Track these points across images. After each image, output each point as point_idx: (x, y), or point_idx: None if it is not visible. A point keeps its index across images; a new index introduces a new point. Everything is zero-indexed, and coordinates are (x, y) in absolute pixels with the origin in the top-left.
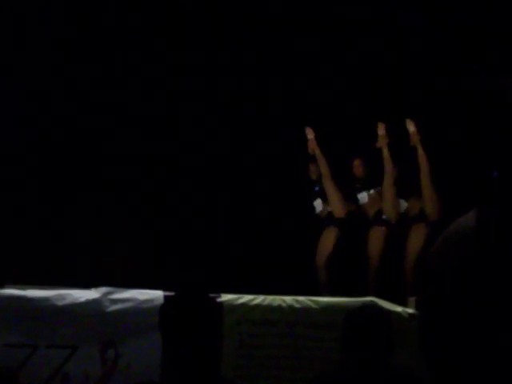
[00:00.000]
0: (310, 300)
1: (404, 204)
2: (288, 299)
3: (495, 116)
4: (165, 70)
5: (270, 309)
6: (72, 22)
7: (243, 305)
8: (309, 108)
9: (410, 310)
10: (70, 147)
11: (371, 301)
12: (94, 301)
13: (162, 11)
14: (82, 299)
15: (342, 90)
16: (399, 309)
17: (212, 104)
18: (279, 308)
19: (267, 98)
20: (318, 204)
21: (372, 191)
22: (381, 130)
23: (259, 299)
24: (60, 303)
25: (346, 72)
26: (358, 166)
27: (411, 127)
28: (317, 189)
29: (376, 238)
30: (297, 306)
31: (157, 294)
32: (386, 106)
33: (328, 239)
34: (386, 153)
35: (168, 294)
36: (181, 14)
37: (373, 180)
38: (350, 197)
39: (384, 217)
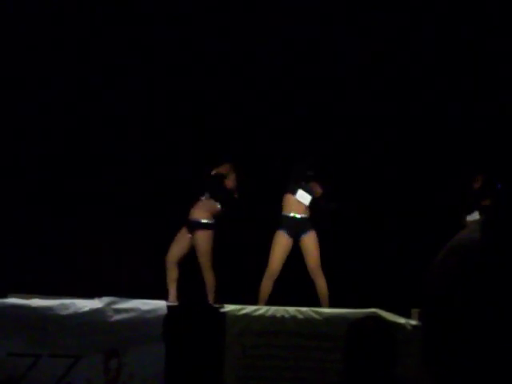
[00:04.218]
0: (312, 311)
1: None
2: (291, 310)
3: (498, 129)
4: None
5: (272, 320)
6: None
7: (246, 315)
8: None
9: (414, 322)
10: (71, 158)
11: (374, 312)
12: (98, 310)
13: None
14: (86, 309)
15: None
16: (402, 320)
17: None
18: (282, 319)
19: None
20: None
21: None
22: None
23: (262, 310)
24: (63, 313)
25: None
26: None
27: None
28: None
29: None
30: (300, 316)
31: (160, 305)
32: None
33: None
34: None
35: (171, 304)
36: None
37: None
38: None
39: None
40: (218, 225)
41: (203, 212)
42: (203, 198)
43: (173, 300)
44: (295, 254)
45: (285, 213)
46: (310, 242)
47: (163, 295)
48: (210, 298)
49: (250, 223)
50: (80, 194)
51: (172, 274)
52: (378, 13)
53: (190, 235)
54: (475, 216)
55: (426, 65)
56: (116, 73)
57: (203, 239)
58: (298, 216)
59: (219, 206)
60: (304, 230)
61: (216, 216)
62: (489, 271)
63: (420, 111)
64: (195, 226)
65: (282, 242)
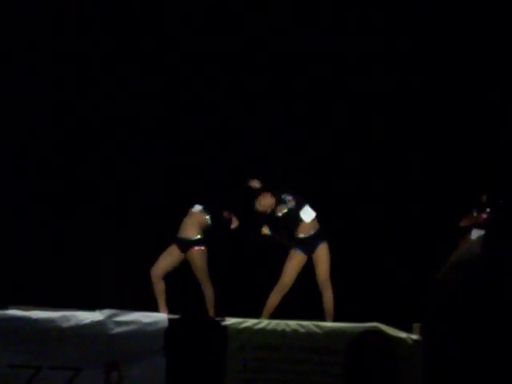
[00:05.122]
0: (314, 325)
1: None
2: (292, 324)
3: (499, 144)
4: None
5: (274, 333)
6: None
7: (247, 329)
8: None
9: (415, 336)
10: (71, 170)
11: (375, 326)
12: (99, 323)
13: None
14: (87, 321)
15: None
16: (403, 334)
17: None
18: (283, 332)
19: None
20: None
21: None
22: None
23: (263, 323)
24: (64, 325)
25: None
26: None
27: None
28: None
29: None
30: (301, 330)
31: (161, 317)
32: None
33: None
34: None
35: (172, 317)
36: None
37: None
38: None
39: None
40: (212, 239)
41: (195, 228)
42: (193, 211)
43: (163, 312)
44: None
45: (296, 234)
46: (321, 253)
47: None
48: (210, 311)
49: (249, 236)
50: (80, 207)
51: (159, 286)
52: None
53: (180, 252)
54: (479, 233)
55: (428, 82)
56: (115, 75)
57: (198, 256)
58: (307, 236)
59: (208, 218)
60: (317, 243)
61: (206, 229)
62: (489, 286)
63: (421, 127)
64: (188, 244)
65: (296, 259)
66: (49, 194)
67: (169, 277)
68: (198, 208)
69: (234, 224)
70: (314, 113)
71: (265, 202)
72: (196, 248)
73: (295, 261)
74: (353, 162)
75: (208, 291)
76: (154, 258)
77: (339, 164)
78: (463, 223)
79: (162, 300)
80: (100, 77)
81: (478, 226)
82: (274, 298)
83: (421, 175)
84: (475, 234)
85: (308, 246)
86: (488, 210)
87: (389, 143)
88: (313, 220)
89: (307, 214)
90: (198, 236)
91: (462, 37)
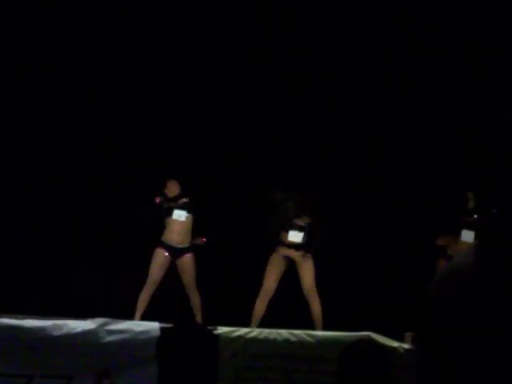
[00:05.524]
0: (306, 334)
1: None
2: (284, 332)
3: (494, 152)
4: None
5: (265, 342)
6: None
7: (239, 338)
8: None
9: (407, 345)
10: (70, 179)
11: (367, 335)
12: (90, 331)
13: None
14: (78, 329)
15: None
16: (395, 344)
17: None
18: (275, 341)
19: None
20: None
21: None
22: None
23: (255, 332)
24: (56, 333)
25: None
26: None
27: None
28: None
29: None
30: (293, 339)
31: (153, 326)
32: None
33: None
34: None
35: (164, 325)
36: None
37: None
38: None
39: None
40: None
41: (186, 236)
42: (182, 219)
43: (138, 319)
44: (289, 275)
45: (282, 238)
46: (305, 264)
47: (156, 316)
48: (197, 317)
49: (238, 244)
50: (76, 212)
51: (148, 297)
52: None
53: (169, 258)
54: (470, 236)
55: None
56: (115, 79)
57: (191, 262)
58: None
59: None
60: (299, 254)
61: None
62: (483, 296)
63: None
64: (181, 252)
65: (277, 263)
66: (41, 201)
67: (160, 285)
68: (182, 214)
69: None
70: (313, 113)
71: None
72: (187, 255)
73: (275, 265)
74: (351, 164)
75: (196, 297)
76: (146, 266)
77: (334, 167)
78: (440, 242)
79: (141, 311)
80: (101, 80)
81: (468, 226)
82: (259, 305)
83: (412, 179)
84: (465, 234)
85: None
86: (475, 215)
87: (388, 146)
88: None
89: (295, 236)
90: (190, 243)
91: (461, 43)
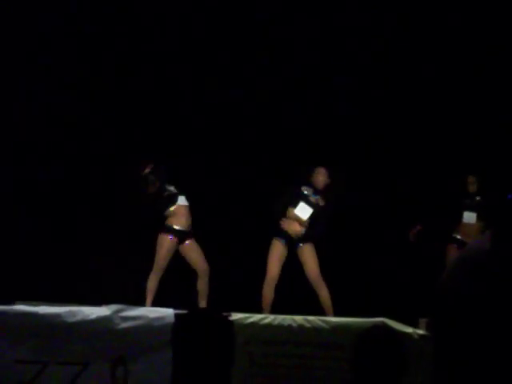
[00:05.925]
0: (320, 320)
1: None
2: (298, 319)
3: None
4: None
5: (280, 328)
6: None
7: (253, 324)
8: None
9: (421, 331)
10: (80, 170)
11: (382, 321)
12: (105, 318)
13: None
14: (93, 316)
15: None
16: (410, 330)
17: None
18: (289, 327)
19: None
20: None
21: None
22: None
23: (269, 318)
24: (71, 320)
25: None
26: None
27: None
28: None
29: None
30: (307, 325)
31: (167, 312)
32: None
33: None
34: None
35: (179, 312)
36: None
37: None
38: None
39: None
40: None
41: (189, 219)
42: (183, 203)
43: (149, 305)
44: (299, 264)
45: (287, 214)
46: (307, 252)
47: (171, 303)
48: (202, 303)
49: (244, 231)
50: (87, 203)
51: (157, 283)
52: None
53: (176, 243)
54: (472, 218)
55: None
56: (115, 79)
57: (198, 246)
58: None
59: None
60: (300, 241)
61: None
62: (498, 281)
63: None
64: (188, 235)
65: (277, 249)
66: (52, 189)
67: (174, 271)
68: (183, 198)
69: None
70: (312, 112)
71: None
72: (192, 238)
73: (275, 251)
74: (359, 156)
75: (204, 283)
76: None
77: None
78: (411, 238)
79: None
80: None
81: (470, 209)
82: (267, 290)
83: (418, 165)
84: (467, 216)
85: (288, 238)
86: (477, 197)
87: (390, 144)
88: (303, 219)
89: (303, 209)
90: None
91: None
